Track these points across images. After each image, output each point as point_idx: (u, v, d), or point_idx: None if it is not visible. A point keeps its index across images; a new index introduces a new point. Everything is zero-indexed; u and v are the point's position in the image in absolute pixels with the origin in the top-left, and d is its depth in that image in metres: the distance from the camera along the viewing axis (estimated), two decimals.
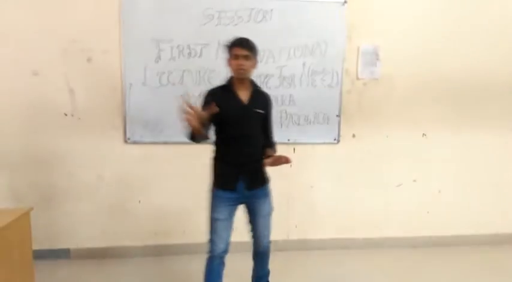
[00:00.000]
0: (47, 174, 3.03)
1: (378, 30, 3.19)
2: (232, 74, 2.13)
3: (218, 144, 2.18)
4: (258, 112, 2.16)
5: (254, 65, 2.14)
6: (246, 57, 2.05)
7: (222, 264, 2.19)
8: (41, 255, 2.94)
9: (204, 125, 1.93)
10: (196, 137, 1.98)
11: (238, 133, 2.11)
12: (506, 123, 3.45)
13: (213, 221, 2.15)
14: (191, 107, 1.83)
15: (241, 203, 2.20)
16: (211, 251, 2.16)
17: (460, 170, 3.46)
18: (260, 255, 2.36)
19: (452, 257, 3.28)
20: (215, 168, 2.21)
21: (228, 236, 2.17)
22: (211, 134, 2.11)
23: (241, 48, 2.05)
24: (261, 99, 2.22)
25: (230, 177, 2.13)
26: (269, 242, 2.34)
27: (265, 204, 2.23)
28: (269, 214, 2.27)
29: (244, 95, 2.14)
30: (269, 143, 2.30)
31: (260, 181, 2.22)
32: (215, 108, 1.89)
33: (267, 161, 2.13)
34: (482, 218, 3.53)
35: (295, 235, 3.36)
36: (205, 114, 1.88)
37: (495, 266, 3.13)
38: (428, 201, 3.46)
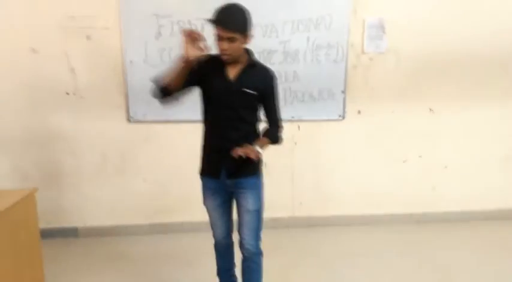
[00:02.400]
0: (51, 154, 3.04)
1: (383, 2, 3.09)
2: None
3: (205, 125, 1.95)
4: (247, 92, 1.82)
5: (243, 44, 1.77)
6: (230, 39, 1.69)
7: (227, 245, 2.11)
8: (49, 234, 2.97)
9: (186, 79, 1.73)
10: (168, 87, 1.72)
11: (222, 114, 1.84)
12: None
13: (206, 209, 2.03)
14: (198, 33, 1.63)
15: (229, 192, 1.97)
16: (213, 236, 2.09)
17: (466, 145, 3.42)
18: (245, 264, 2.02)
19: (459, 233, 3.29)
20: (202, 153, 1.99)
21: (225, 222, 2.04)
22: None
23: (223, 29, 1.68)
24: (255, 77, 1.85)
25: (212, 164, 1.91)
26: (256, 247, 1.98)
27: (249, 198, 1.92)
28: (255, 210, 1.94)
29: (233, 71, 1.83)
30: (267, 131, 1.95)
31: (245, 170, 1.89)
32: (207, 48, 1.66)
33: (234, 149, 1.73)
34: (489, 193, 3.51)
35: (300, 212, 3.37)
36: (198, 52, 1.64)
37: (503, 242, 3.13)
38: (434, 177, 3.44)
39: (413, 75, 3.23)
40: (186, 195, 3.17)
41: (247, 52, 1.88)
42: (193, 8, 2.87)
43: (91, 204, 3.15)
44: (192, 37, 1.62)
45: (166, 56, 2.92)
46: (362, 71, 3.18)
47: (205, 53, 1.65)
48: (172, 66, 1.69)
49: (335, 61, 3.11)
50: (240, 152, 1.70)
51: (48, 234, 2.91)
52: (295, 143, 3.22)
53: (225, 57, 1.76)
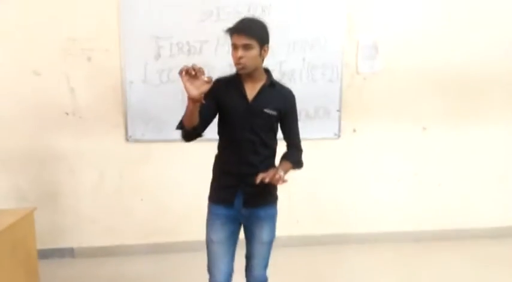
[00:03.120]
0: (49, 173, 3.04)
1: (376, 23, 3.18)
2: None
3: (219, 148, 1.84)
4: (267, 113, 1.73)
5: (261, 55, 1.69)
6: (246, 47, 1.61)
7: None
8: (45, 254, 2.95)
9: (201, 113, 1.62)
10: (187, 128, 1.64)
11: (240, 137, 1.73)
12: (506, 116, 3.45)
13: (209, 243, 1.81)
14: (195, 69, 1.47)
15: (240, 222, 1.83)
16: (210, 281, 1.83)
17: (460, 163, 3.46)
18: None
19: (453, 251, 3.30)
20: (212, 179, 1.86)
21: (228, 262, 1.81)
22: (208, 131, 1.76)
23: (239, 35, 1.61)
24: (275, 96, 1.76)
25: (227, 190, 1.76)
26: (264, 274, 1.88)
27: (266, 229, 1.81)
28: (270, 242, 1.84)
29: (252, 91, 1.73)
30: (288, 154, 1.84)
31: (263, 199, 1.79)
32: (209, 80, 1.50)
33: (260, 174, 1.59)
34: (484, 211, 3.54)
35: (297, 231, 3.37)
36: (206, 87, 1.50)
37: (497, 260, 3.14)
38: (429, 194, 3.47)
39: (407, 94, 3.30)
40: (184, 214, 3.17)
41: (267, 72, 1.81)
42: (192, 30, 2.94)
43: (88, 224, 3.14)
44: (191, 74, 1.48)
45: (165, 76, 2.98)
46: (357, 90, 3.25)
47: (210, 85, 1.51)
48: (186, 108, 1.59)
49: (330, 80, 3.18)
50: (267, 178, 1.56)
51: (44, 254, 2.89)
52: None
53: (239, 67, 1.65)
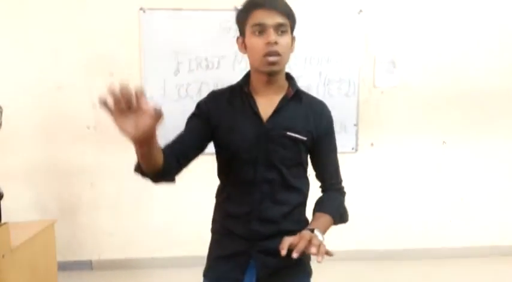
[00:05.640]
0: (69, 186, 3.10)
1: (393, 38, 3.18)
2: (258, 68, 1.15)
3: (220, 196, 1.29)
4: (291, 137, 1.17)
5: (293, 46, 1.17)
6: (279, 28, 1.09)
7: None
8: (63, 266, 2.98)
9: (169, 149, 1.11)
10: (147, 173, 1.11)
11: (251, 177, 1.17)
12: None
13: None
14: (125, 95, 0.88)
15: None
16: None
17: (482, 177, 3.38)
18: None
19: (476, 268, 3.19)
20: (211, 241, 1.31)
21: None
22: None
23: (269, 11, 1.08)
24: (302, 113, 1.20)
25: (233, 262, 1.18)
26: None
27: None
28: None
29: (267, 106, 1.17)
30: (322, 202, 1.26)
31: (289, 271, 1.20)
32: (158, 112, 0.91)
33: (286, 239, 1.00)
34: (508, 226, 3.43)
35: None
36: (155, 118, 0.93)
37: None
38: (450, 209, 3.39)
39: (425, 108, 3.27)
40: (201, 228, 3.16)
41: (288, 78, 1.23)
42: (210, 45, 3.00)
43: (106, 237, 3.18)
44: (119, 104, 0.90)
45: (184, 91, 3.03)
46: (374, 104, 3.23)
47: (159, 119, 0.95)
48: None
49: (347, 95, 3.18)
50: (297, 249, 0.96)
51: (63, 266, 2.92)
52: (308, 175, 3.23)
53: (272, 59, 1.09)
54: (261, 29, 1.09)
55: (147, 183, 3.29)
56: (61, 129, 3.03)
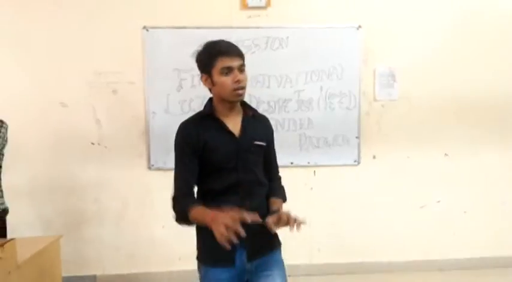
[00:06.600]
0: (74, 202, 3.13)
1: (393, 52, 3.23)
2: (227, 98, 1.46)
3: (205, 199, 1.50)
4: (258, 145, 1.53)
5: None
6: (241, 68, 1.44)
7: None
8: (69, 281, 2.99)
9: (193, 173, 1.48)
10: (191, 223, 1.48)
11: (234, 181, 1.48)
12: None
13: None
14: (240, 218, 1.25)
15: (243, 281, 1.54)
16: None
17: (485, 189, 3.38)
18: None
19: (480, 280, 3.17)
20: (201, 235, 1.59)
21: None
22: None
23: (232, 57, 1.42)
24: (258, 126, 1.58)
25: (225, 248, 1.30)
26: None
27: (276, 279, 1.54)
28: None
29: (234, 125, 1.50)
30: (273, 189, 1.62)
31: (268, 245, 1.56)
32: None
33: (269, 220, 1.41)
34: (511, 238, 3.41)
35: (318, 259, 3.32)
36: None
37: None
38: (454, 222, 3.39)
39: (426, 121, 3.29)
40: None
41: (242, 102, 1.58)
42: None
43: (111, 252, 3.18)
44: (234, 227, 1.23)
45: (187, 106, 3.08)
46: (375, 117, 3.26)
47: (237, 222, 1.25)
48: (205, 221, 1.37)
49: (348, 108, 3.21)
50: (280, 223, 1.40)
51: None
52: (311, 189, 3.25)
53: (240, 92, 1.44)
54: (228, 71, 1.42)
55: (148, 197, 3.30)
56: (65, 145, 3.08)
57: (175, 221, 1.55)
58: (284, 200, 1.64)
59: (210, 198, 1.50)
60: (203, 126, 1.49)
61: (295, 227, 1.38)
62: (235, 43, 1.49)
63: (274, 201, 1.56)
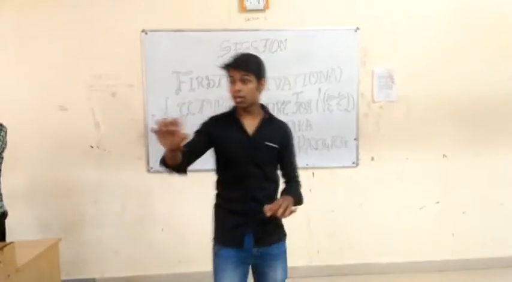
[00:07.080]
0: (73, 205, 3.13)
1: (391, 53, 3.24)
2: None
3: (220, 186, 1.80)
4: (269, 146, 1.72)
5: (258, 89, 1.70)
6: (243, 81, 1.64)
7: None
8: None
9: (184, 153, 1.55)
10: (169, 166, 1.58)
11: (245, 173, 1.69)
12: None
13: None
14: (166, 124, 1.35)
15: (250, 264, 1.76)
16: None
17: (483, 190, 3.39)
18: None
19: (479, 281, 3.17)
20: (216, 219, 1.80)
21: None
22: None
23: (235, 70, 1.64)
24: (274, 130, 1.77)
25: (235, 231, 1.70)
26: None
27: (279, 268, 1.75)
28: (283, 280, 1.78)
29: (251, 125, 1.73)
30: (287, 188, 1.79)
31: (274, 236, 1.76)
32: (184, 136, 1.40)
33: (267, 207, 1.53)
34: (509, 239, 3.42)
35: (317, 261, 3.32)
36: (181, 137, 1.40)
37: None
38: (452, 223, 3.39)
39: (425, 122, 3.30)
40: (205, 244, 3.17)
41: (263, 108, 1.81)
42: (210, 64, 3.04)
43: (110, 255, 3.18)
44: (163, 130, 1.36)
45: (186, 109, 3.09)
46: (373, 119, 3.27)
47: (185, 140, 1.44)
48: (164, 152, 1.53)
49: (346, 110, 3.22)
50: (280, 211, 1.50)
51: None
52: (310, 190, 3.25)
53: (238, 100, 1.66)
54: (232, 80, 1.67)
55: (147, 200, 3.31)
56: (65, 149, 3.08)
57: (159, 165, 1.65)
58: (296, 198, 1.69)
59: (223, 185, 1.78)
60: (223, 122, 1.74)
61: (281, 211, 1.50)
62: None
63: (285, 197, 1.64)
